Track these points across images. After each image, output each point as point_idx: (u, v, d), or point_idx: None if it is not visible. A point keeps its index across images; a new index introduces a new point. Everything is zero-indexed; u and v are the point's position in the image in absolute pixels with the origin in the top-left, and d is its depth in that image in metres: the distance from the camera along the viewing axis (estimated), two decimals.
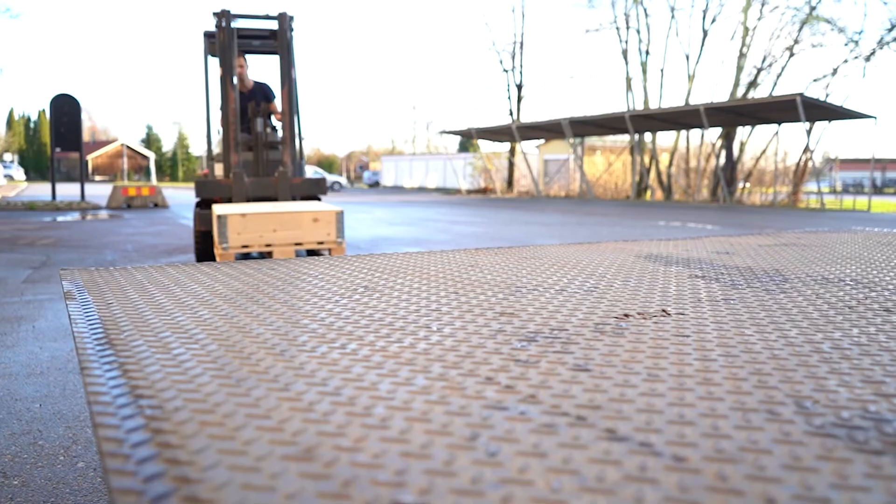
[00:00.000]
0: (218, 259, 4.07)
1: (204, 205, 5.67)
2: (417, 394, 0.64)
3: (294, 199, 5.66)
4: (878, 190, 42.68)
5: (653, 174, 27.51)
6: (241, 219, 4.10)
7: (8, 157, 67.68)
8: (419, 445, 0.52)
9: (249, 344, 0.83)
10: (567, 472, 0.47)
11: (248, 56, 6.52)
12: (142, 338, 0.85)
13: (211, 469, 0.47)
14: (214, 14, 5.67)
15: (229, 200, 5.52)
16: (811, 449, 0.51)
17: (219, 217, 4.06)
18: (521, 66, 34.97)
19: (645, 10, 28.72)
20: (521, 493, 0.44)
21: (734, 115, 21.59)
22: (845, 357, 0.78)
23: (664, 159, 28.02)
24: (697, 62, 31.23)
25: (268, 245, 4.17)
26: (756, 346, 0.84)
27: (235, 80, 5.54)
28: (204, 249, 5.71)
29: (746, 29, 25.77)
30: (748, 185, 24.93)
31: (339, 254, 4.13)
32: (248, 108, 6.11)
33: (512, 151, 33.56)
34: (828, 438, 0.53)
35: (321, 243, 4.31)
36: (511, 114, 35.10)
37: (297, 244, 4.23)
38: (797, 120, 20.41)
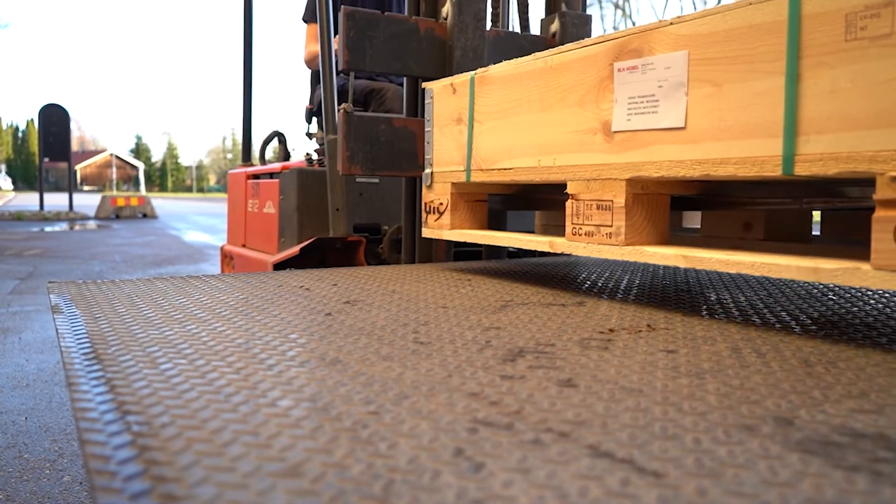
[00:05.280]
0: None
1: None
2: (404, 409, 0.65)
3: None
4: None
5: None
6: None
7: None
8: (406, 461, 0.52)
9: (238, 359, 0.83)
10: (550, 488, 0.48)
11: None
12: (130, 352, 0.85)
13: (198, 486, 0.47)
14: None
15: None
16: (789, 465, 0.52)
17: None
18: None
19: (633, 24, 29.07)
20: None
21: None
22: (828, 371, 0.80)
23: None
24: None
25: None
26: (743, 359, 0.85)
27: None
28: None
29: None
30: None
31: None
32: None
33: None
34: (806, 454, 0.54)
35: None
36: None
37: None
38: None
